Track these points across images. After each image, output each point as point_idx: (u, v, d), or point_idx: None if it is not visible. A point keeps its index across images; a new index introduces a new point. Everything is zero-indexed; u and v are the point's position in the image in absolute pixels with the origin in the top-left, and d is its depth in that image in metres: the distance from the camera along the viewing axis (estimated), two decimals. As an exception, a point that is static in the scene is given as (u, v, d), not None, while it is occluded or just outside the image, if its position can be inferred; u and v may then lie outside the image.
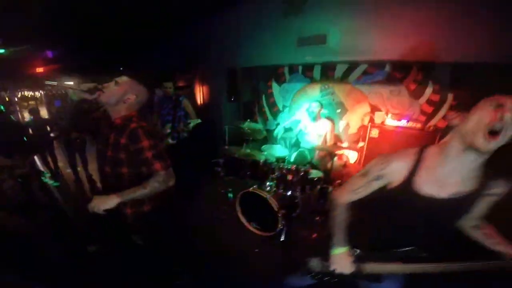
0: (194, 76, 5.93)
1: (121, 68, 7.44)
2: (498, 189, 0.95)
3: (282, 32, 3.50)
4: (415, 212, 1.03)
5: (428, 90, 3.23)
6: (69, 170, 4.73)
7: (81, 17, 3.84)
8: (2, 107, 4.34)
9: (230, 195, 3.27)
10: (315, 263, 1.31)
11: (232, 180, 3.23)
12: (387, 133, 3.18)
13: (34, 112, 4.54)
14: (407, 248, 1.08)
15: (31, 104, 9.93)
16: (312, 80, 4.08)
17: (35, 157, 4.44)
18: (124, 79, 1.50)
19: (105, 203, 1.33)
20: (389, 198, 1.06)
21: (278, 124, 4.41)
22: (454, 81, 3.04)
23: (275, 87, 4.51)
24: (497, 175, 0.94)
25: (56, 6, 3.25)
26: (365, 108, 3.68)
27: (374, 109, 3.59)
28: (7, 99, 11.36)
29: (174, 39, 5.21)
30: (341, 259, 1.15)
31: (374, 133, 3.24)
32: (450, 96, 3.12)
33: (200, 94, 6.11)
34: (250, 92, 4.80)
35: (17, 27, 3.98)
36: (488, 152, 0.85)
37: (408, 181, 0.99)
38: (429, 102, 3.26)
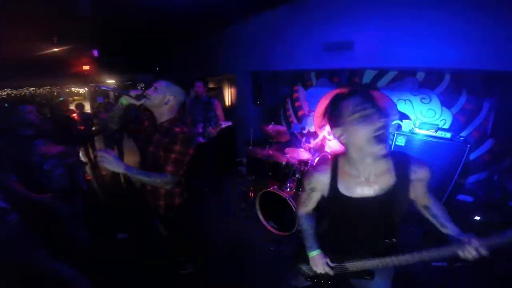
0: (222, 79, 6.17)
1: (157, 68, 7.93)
2: (419, 174, 1.06)
3: (309, 37, 3.55)
4: (356, 213, 1.14)
5: (462, 99, 3.10)
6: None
7: (123, 22, 4.21)
8: (62, 98, 4.84)
9: (251, 193, 3.39)
10: (304, 269, 1.44)
11: (254, 180, 3.34)
12: (414, 142, 3.09)
13: (80, 107, 5.04)
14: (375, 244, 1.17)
15: (77, 99, 10.93)
16: (339, 86, 4.07)
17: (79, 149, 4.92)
18: (161, 83, 1.64)
19: (113, 165, 1.38)
20: (331, 204, 1.20)
21: (303, 127, 4.45)
22: (489, 90, 2.90)
23: (301, 91, 4.56)
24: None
25: (100, 10, 3.59)
26: (393, 115, 3.60)
27: (402, 116, 3.51)
28: (55, 93, 12.60)
29: (205, 43, 5.47)
30: (317, 261, 1.27)
31: (401, 141, 3.16)
32: (486, 106, 2.97)
33: (228, 96, 6.33)
34: (276, 96, 4.89)
35: (67, 28, 4.43)
36: (382, 155, 0.97)
37: (334, 188, 1.13)
38: (462, 111, 3.13)
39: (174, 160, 1.57)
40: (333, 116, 1.06)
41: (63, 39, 5.00)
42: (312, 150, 3.55)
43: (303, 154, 3.55)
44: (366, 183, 1.08)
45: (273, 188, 2.72)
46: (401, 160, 1.07)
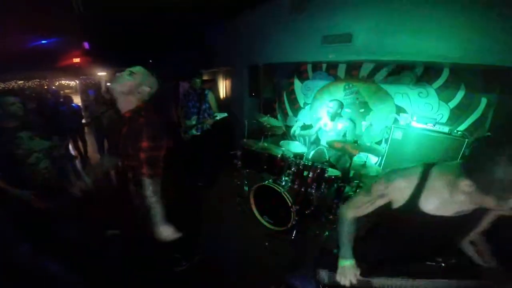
0: (217, 71, 6.06)
1: (150, 61, 7.76)
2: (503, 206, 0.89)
3: (307, 29, 3.47)
4: (419, 229, 1.03)
5: (460, 94, 3.07)
6: (97, 155, 5.03)
7: (114, 14, 4.06)
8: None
9: (246, 188, 3.32)
10: (323, 275, 1.32)
11: (248, 173, 3.27)
12: (412, 135, 3.05)
13: (69, 100, 4.88)
14: (415, 263, 1.10)
15: (67, 92, 10.65)
16: (336, 78, 4.01)
17: (68, 142, 4.77)
18: (138, 69, 1.46)
19: (169, 232, 1.43)
20: (394, 215, 1.06)
21: (298, 120, 4.39)
22: (489, 85, 2.87)
23: (297, 84, 4.48)
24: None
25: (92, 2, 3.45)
26: (390, 109, 3.56)
27: (399, 110, 3.48)
28: (45, 87, 12.27)
29: (201, 35, 5.34)
30: (347, 271, 1.14)
31: (398, 134, 3.13)
32: (484, 101, 2.95)
33: (223, 88, 6.23)
34: (271, 89, 4.80)
35: (56, 20, 4.27)
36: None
37: (412, 201, 0.98)
38: (459, 106, 3.10)
39: (146, 160, 1.36)
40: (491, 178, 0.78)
41: (52, 31, 4.81)
42: (307, 143, 3.50)
43: (299, 147, 3.49)
44: (450, 202, 0.94)
45: (269, 182, 2.65)
46: None
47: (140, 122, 1.39)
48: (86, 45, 6.67)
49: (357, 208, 1.17)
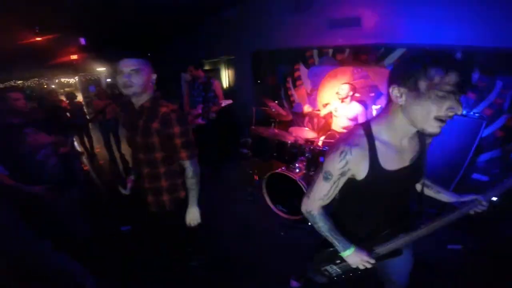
0: (219, 61, 5.95)
1: (149, 54, 7.64)
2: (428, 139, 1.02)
3: (315, 13, 3.35)
4: (389, 189, 1.00)
5: (474, 77, 2.96)
6: (101, 150, 5.00)
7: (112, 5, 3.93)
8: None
9: (255, 176, 3.26)
10: (330, 270, 1.27)
11: (257, 161, 3.21)
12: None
13: (70, 96, 4.81)
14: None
15: (67, 90, 10.56)
16: (343, 63, 3.89)
17: (74, 138, 4.73)
18: (141, 62, 1.40)
19: (197, 216, 1.60)
20: (363, 186, 0.97)
21: (306, 106, 4.30)
22: (504, 67, 2.76)
23: (303, 70, 4.37)
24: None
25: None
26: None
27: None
28: (45, 85, 12.17)
29: (203, 23, 5.21)
30: (357, 257, 1.07)
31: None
32: (499, 83, 2.85)
33: (225, 78, 6.13)
34: (276, 75, 4.70)
35: (52, 16, 4.15)
36: (432, 133, 0.83)
37: (375, 165, 0.92)
38: (474, 88, 3.00)
39: (182, 144, 1.44)
40: (407, 75, 0.81)
41: (47, 28, 4.68)
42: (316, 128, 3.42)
43: (308, 133, 3.41)
44: (402, 152, 0.95)
45: (282, 170, 2.59)
46: None
47: (163, 110, 1.39)
48: (82, 41, 6.55)
49: (323, 197, 1.04)
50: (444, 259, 2.22)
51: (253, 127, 3.18)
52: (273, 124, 3.07)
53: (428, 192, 1.21)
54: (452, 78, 0.75)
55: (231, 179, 3.70)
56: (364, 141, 0.92)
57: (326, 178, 1.00)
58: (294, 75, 4.50)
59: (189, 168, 1.50)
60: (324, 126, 3.43)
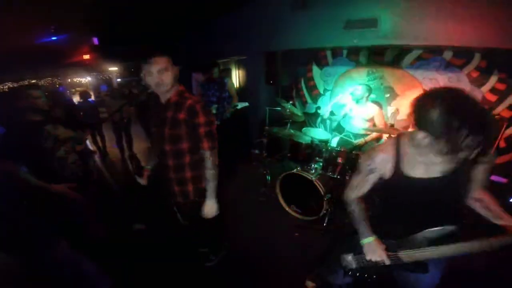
0: (230, 61, 5.96)
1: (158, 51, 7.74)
2: (485, 157, 1.00)
3: (331, 14, 3.32)
4: (415, 195, 1.08)
5: (493, 78, 2.91)
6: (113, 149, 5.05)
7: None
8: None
9: (268, 177, 3.24)
10: (349, 259, 1.32)
11: (271, 162, 3.19)
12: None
13: (85, 95, 4.88)
14: (431, 229, 1.09)
15: (79, 89, 10.75)
16: (358, 64, 3.86)
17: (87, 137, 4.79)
18: (166, 60, 1.47)
19: (214, 208, 1.62)
20: (390, 186, 1.13)
21: (318, 107, 4.27)
22: None
23: (316, 70, 4.34)
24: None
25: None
26: (418, 94, 3.41)
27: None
28: (57, 85, 12.42)
29: (216, 22, 5.22)
30: (372, 248, 1.17)
31: (428, 118, 2.99)
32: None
33: (236, 78, 6.13)
34: (288, 76, 4.68)
35: (67, 15, 4.22)
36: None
37: (397, 168, 1.07)
38: (493, 90, 2.94)
39: (205, 134, 1.51)
40: (436, 131, 0.88)
41: (61, 27, 4.76)
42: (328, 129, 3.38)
43: (322, 134, 3.38)
44: (431, 164, 1.02)
45: (298, 170, 2.57)
46: None
47: (189, 102, 1.49)
48: (95, 40, 6.63)
49: (354, 188, 1.23)
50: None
51: (266, 127, 3.16)
52: (288, 124, 3.04)
53: (484, 212, 1.12)
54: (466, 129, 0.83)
55: (244, 179, 3.68)
56: (390, 148, 1.10)
57: (357, 173, 1.21)
58: (307, 76, 4.48)
59: (209, 159, 1.55)
60: (337, 127, 3.39)
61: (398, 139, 1.10)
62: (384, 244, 1.17)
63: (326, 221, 2.55)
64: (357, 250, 1.25)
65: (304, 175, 2.51)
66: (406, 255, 1.13)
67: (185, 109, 1.48)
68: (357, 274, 1.31)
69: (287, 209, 2.83)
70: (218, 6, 4.37)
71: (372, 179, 1.17)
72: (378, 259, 1.15)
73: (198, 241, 2.18)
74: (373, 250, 1.16)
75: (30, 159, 1.95)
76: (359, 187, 1.21)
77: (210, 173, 1.57)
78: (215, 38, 5.37)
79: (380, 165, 1.11)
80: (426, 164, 1.02)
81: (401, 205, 1.17)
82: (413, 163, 1.04)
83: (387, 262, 1.15)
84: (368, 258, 1.18)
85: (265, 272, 2.18)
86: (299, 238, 2.53)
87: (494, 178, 2.88)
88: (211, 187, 1.59)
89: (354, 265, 1.31)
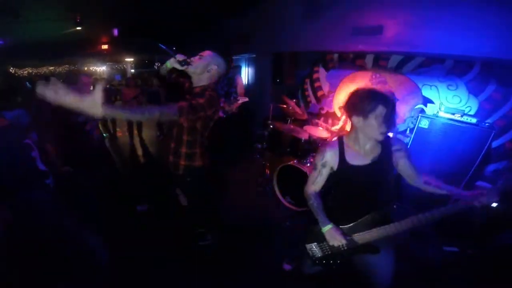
0: (240, 58, 6.15)
1: (174, 48, 7.98)
2: (397, 145, 1.33)
3: (339, 20, 3.49)
4: (357, 180, 1.35)
5: (490, 88, 3.02)
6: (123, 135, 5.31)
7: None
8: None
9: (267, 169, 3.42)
10: (314, 248, 1.53)
11: (271, 155, 3.36)
12: (438, 124, 3.03)
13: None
14: (374, 212, 1.35)
15: (94, 80, 11.11)
16: (362, 68, 4.01)
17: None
18: (207, 52, 1.73)
19: (93, 108, 1.02)
20: (338, 175, 1.37)
21: (322, 108, 4.43)
22: None
23: (322, 72, 4.50)
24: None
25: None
26: (417, 99, 3.54)
27: (426, 101, 3.46)
28: (74, 73, 12.83)
29: (224, 24, 5.43)
30: (332, 234, 1.35)
31: (424, 123, 3.10)
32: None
33: (245, 76, 6.32)
34: (295, 76, 4.84)
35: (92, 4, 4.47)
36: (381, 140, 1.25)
37: (342, 159, 1.33)
38: (489, 99, 3.05)
39: (191, 104, 1.51)
40: (355, 109, 1.22)
41: (86, 17, 5.03)
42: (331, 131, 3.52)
43: (322, 132, 3.54)
44: (364, 154, 1.31)
45: (293, 162, 2.74)
46: (385, 138, 1.30)
47: (207, 93, 1.64)
48: (115, 31, 6.88)
49: (312, 183, 1.43)
50: (441, 262, 2.32)
51: (269, 121, 3.34)
52: (289, 120, 3.21)
53: (427, 188, 1.39)
54: (377, 104, 1.17)
55: (244, 171, 3.87)
56: (336, 144, 1.37)
57: (314, 169, 1.43)
58: (313, 77, 4.64)
59: (171, 112, 1.43)
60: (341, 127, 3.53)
61: (341, 136, 1.39)
62: (340, 230, 1.37)
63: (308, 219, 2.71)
64: (319, 238, 1.46)
65: (299, 167, 2.68)
66: (359, 237, 1.35)
67: (205, 97, 1.61)
68: (323, 262, 1.51)
69: (281, 200, 2.99)
70: (232, 6, 4.57)
71: (325, 172, 1.39)
72: (339, 243, 1.34)
73: (196, 220, 2.34)
74: (333, 235, 1.34)
75: (61, 129, 2.18)
76: (316, 181, 1.42)
77: (140, 113, 1.35)
78: (227, 35, 5.57)
79: (330, 158, 1.35)
80: (360, 154, 1.31)
81: (349, 191, 1.42)
82: (352, 154, 1.32)
83: (346, 245, 1.37)
84: (330, 244, 1.38)
85: (254, 254, 2.36)
86: (289, 226, 2.72)
87: (480, 183, 3.00)
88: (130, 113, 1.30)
89: (319, 254, 1.51)
